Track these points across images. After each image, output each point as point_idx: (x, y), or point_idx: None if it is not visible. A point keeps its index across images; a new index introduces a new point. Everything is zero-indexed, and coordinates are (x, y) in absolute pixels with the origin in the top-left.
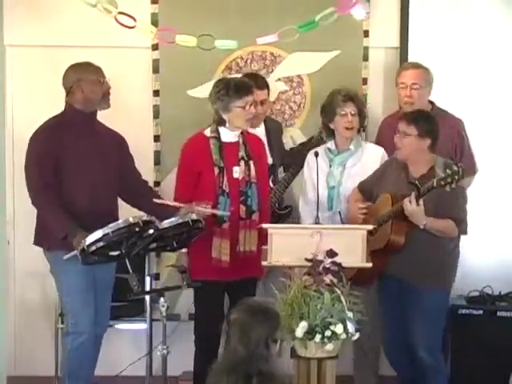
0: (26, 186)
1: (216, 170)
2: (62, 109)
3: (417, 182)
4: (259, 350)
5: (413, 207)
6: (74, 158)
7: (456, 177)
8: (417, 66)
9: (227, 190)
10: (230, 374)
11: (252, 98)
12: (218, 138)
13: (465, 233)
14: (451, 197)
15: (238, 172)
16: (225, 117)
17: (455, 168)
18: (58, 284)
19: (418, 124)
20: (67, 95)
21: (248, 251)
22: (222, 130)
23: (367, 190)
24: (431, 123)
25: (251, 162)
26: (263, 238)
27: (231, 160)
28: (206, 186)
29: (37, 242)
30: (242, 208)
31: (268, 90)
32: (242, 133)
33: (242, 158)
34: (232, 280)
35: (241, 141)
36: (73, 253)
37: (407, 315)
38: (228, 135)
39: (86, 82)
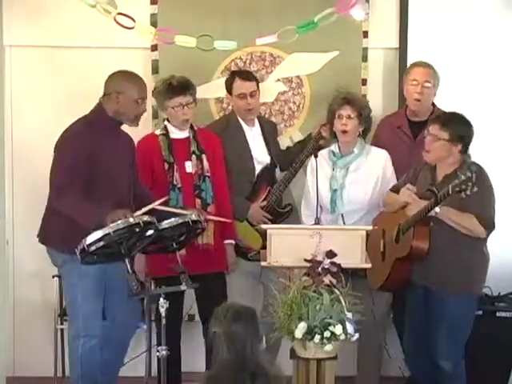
0: (49, 184)
1: (166, 166)
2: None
3: (434, 188)
4: (249, 351)
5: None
6: (104, 163)
7: (469, 183)
8: (428, 65)
9: (178, 185)
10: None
11: (186, 99)
12: (166, 134)
13: (490, 231)
14: (476, 194)
15: (190, 167)
16: (163, 114)
17: (468, 174)
18: (68, 286)
19: (450, 128)
20: (103, 96)
21: (205, 244)
22: (169, 127)
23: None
24: (465, 128)
25: (204, 156)
26: (227, 232)
27: (182, 155)
28: (160, 183)
29: (44, 241)
30: (197, 201)
31: (257, 82)
32: (192, 128)
33: (194, 153)
34: (193, 275)
35: (191, 136)
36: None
37: (432, 322)
38: (177, 132)
39: (125, 96)
